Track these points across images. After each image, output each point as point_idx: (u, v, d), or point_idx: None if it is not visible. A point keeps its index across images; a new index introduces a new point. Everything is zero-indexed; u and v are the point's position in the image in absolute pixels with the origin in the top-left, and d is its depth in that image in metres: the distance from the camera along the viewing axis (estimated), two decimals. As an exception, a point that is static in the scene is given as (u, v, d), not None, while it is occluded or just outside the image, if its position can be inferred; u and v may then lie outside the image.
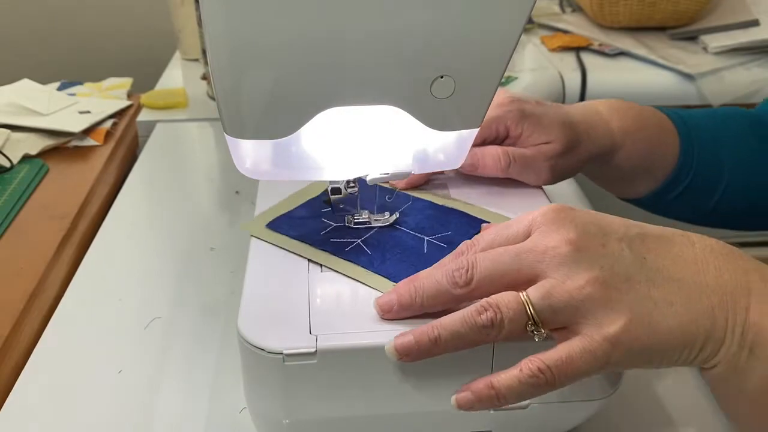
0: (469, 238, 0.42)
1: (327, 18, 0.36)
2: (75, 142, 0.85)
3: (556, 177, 0.57)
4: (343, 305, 0.42)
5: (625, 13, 1.23)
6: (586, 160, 0.58)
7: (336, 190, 0.47)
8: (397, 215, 0.50)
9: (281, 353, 0.38)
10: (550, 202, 0.53)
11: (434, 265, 0.41)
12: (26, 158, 0.80)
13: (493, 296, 0.37)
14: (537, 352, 0.38)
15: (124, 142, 0.89)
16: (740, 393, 0.38)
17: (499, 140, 0.55)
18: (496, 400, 0.36)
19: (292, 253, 0.46)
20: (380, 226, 0.49)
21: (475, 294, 0.38)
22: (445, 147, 0.45)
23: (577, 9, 1.40)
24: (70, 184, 0.76)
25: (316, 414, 0.40)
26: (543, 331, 0.36)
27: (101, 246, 0.66)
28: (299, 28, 0.37)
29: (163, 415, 0.47)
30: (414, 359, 0.37)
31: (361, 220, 0.49)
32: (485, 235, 0.41)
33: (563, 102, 1.11)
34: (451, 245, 0.46)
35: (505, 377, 0.36)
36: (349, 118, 0.41)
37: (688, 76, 1.12)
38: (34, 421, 0.47)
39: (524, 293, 0.36)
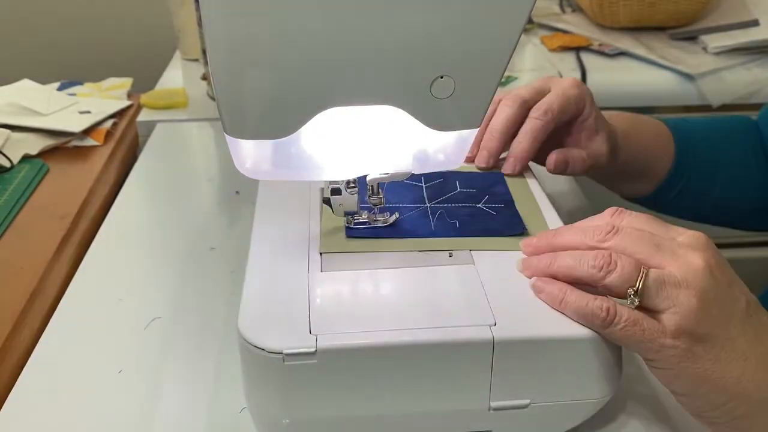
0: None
1: (327, 18, 0.36)
2: (75, 142, 0.85)
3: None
4: (343, 305, 0.42)
5: (625, 13, 1.23)
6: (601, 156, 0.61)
7: (336, 190, 0.47)
8: (397, 215, 0.50)
9: (281, 353, 0.38)
10: (550, 202, 0.53)
11: (574, 231, 0.45)
12: (26, 158, 0.80)
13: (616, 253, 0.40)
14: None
15: (124, 142, 0.89)
16: None
17: (577, 117, 0.59)
18: (560, 304, 0.41)
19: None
20: (382, 225, 0.49)
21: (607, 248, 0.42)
22: (445, 147, 0.45)
23: (577, 9, 1.40)
24: (70, 184, 0.76)
25: (316, 414, 0.40)
26: (638, 301, 0.39)
27: (101, 246, 0.66)
28: (299, 28, 0.37)
29: (163, 415, 0.47)
30: (532, 271, 0.44)
31: (360, 221, 0.49)
32: (632, 227, 0.43)
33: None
34: (508, 204, 0.51)
35: (578, 295, 0.40)
36: (349, 118, 0.41)
37: (688, 76, 1.12)
38: (34, 421, 0.47)
39: (645, 267, 0.40)
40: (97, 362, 0.52)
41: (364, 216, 0.49)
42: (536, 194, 0.54)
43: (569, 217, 0.63)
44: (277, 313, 0.41)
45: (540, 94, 0.59)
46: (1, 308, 0.55)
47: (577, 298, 0.40)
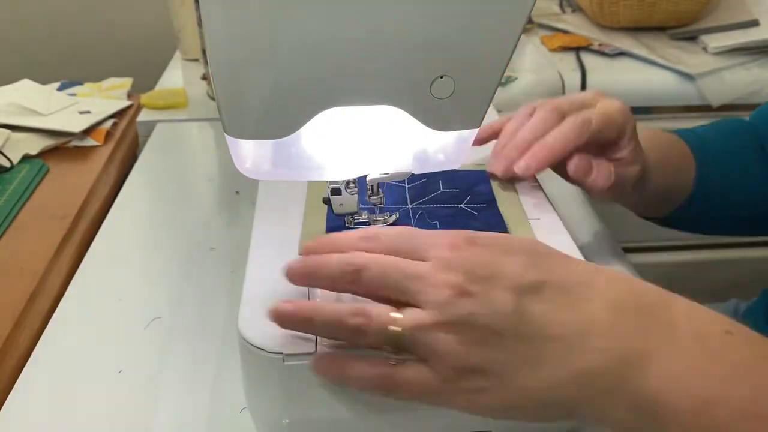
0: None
1: (327, 18, 0.36)
2: (75, 142, 0.85)
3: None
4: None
5: (625, 13, 1.23)
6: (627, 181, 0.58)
7: (336, 191, 0.47)
8: (397, 215, 0.50)
9: (281, 353, 0.38)
10: (555, 209, 0.53)
11: (343, 234, 0.41)
12: (26, 158, 0.80)
13: (370, 306, 0.37)
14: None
15: (124, 142, 0.89)
16: None
17: (614, 143, 0.54)
18: (343, 380, 0.38)
19: None
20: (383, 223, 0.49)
21: (360, 292, 0.38)
22: (445, 147, 0.45)
23: (577, 9, 1.40)
24: (70, 184, 0.76)
25: (316, 414, 0.40)
26: (393, 358, 0.37)
27: (101, 246, 0.66)
28: (299, 29, 0.37)
29: (163, 415, 0.47)
30: (288, 328, 0.38)
31: (361, 221, 0.49)
32: (391, 236, 0.39)
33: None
34: (490, 204, 0.51)
35: (361, 369, 0.37)
36: (349, 118, 0.41)
37: (688, 76, 1.12)
38: (34, 421, 0.47)
39: (398, 315, 0.36)
40: (97, 362, 0.52)
41: (364, 216, 0.49)
42: (528, 192, 0.54)
43: (570, 219, 0.63)
44: (277, 313, 0.41)
45: (582, 107, 0.54)
46: (1, 308, 0.55)
47: (360, 370, 0.37)
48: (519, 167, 0.52)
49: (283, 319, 0.38)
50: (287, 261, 0.40)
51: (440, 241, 0.38)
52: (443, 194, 0.53)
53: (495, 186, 0.54)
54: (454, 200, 0.52)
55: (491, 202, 0.52)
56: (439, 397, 0.37)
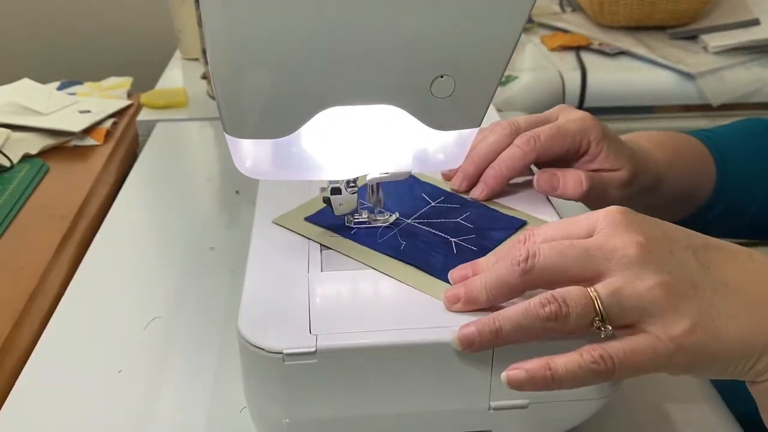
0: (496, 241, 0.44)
1: (327, 18, 0.36)
2: (75, 142, 0.85)
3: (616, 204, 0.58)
4: (343, 305, 0.42)
5: (624, 13, 1.23)
6: (638, 191, 0.57)
7: (336, 190, 0.47)
8: (397, 215, 0.50)
9: (281, 353, 0.38)
10: (556, 210, 0.53)
11: (493, 254, 0.42)
12: (26, 158, 0.80)
13: (558, 290, 0.37)
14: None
15: (124, 142, 0.89)
16: None
17: (579, 154, 0.54)
18: (551, 381, 0.36)
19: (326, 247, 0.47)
20: (384, 226, 0.49)
21: (537, 284, 0.38)
22: (445, 147, 0.45)
23: (577, 8, 1.40)
24: (70, 184, 0.76)
25: (316, 414, 0.40)
26: (610, 327, 0.36)
27: (101, 246, 0.66)
28: (299, 28, 0.37)
29: (163, 415, 0.47)
30: (477, 350, 0.38)
31: (361, 220, 0.49)
32: (545, 228, 0.40)
33: (563, 101, 1.11)
34: (481, 249, 0.46)
35: (564, 360, 0.36)
36: (349, 118, 0.41)
37: (688, 76, 1.12)
38: (34, 421, 0.47)
39: (592, 289, 0.37)
40: (97, 362, 0.52)
41: (365, 215, 0.49)
42: (527, 192, 0.53)
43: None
44: (277, 313, 0.41)
45: (540, 123, 0.54)
46: (1, 308, 0.55)
47: (564, 361, 0.36)
48: (474, 193, 0.53)
49: (472, 344, 0.37)
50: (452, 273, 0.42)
51: (598, 215, 0.39)
52: (453, 224, 0.49)
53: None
54: (453, 233, 0.48)
55: (486, 250, 0.47)
56: (662, 357, 0.36)
